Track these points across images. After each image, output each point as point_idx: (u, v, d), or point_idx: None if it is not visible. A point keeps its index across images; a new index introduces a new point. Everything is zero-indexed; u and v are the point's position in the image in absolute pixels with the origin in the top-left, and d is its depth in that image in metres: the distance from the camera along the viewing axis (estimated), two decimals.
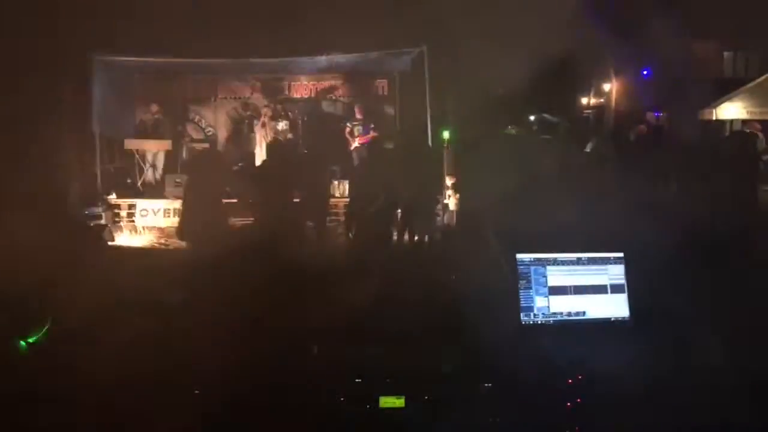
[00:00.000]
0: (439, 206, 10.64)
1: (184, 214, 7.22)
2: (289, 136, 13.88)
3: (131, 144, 12.93)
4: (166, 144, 12.94)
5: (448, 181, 10.82)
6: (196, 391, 2.24)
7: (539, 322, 2.87)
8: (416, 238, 9.77)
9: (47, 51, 12.39)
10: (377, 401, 2.31)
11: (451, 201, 10.87)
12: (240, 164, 13.70)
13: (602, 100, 27.98)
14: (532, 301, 2.87)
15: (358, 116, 12.95)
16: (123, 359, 2.40)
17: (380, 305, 2.88)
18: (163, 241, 11.13)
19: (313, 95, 15.18)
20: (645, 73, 21.83)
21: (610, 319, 2.92)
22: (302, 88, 15.15)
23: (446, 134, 11.92)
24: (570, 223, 3.22)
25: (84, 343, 2.56)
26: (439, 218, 10.40)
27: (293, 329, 2.04)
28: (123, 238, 11.18)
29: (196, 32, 12.09)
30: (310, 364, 2.41)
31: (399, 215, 10.09)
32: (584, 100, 28.89)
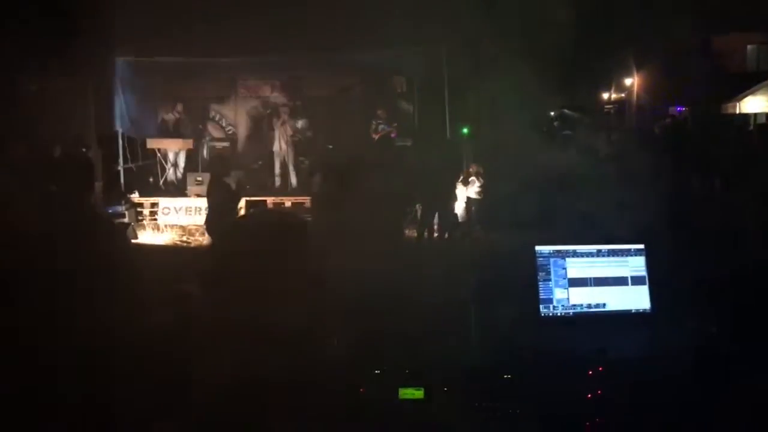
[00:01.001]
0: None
1: (209, 211, 7.33)
2: (308, 134, 13.95)
3: (153, 143, 13.09)
4: (188, 143, 13.08)
5: (471, 170, 10.79)
6: (214, 383, 2.27)
7: (558, 314, 2.86)
8: (436, 233, 9.78)
9: (72, 51, 12.60)
10: (397, 393, 2.31)
11: (471, 190, 10.83)
12: (260, 162, 13.82)
13: (623, 95, 27.73)
14: (552, 293, 2.86)
15: (380, 113, 12.97)
16: (145, 352, 2.43)
17: (400, 298, 2.88)
18: (185, 238, 11.26)
19: (331, 93, 15.22)
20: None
21: (630, 311, 2.90)
22: (321, 86, 15.19)
23: (465, 131, 11.90)
24: (590, 214, 3.20)
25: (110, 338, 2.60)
26: (458, 212, 10.38)
27: (312, 321, 2.04)
28: (146, 236, 11.32)
29: (216, 31, 12.20)
30: (329, 355, 2.43)
31: (419, 211, 10.10)
32: (605, 95, 28.64)
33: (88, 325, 2.69)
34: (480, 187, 10.83)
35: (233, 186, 7.46)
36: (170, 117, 13.20)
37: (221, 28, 11.81)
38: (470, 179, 10.84)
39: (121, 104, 12.64)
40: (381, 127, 12.76)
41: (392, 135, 12.81)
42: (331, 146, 13.34)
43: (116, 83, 12.52)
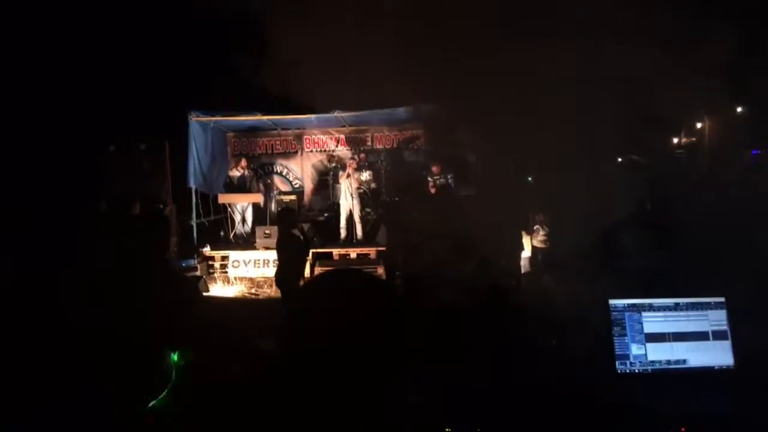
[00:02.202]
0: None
1: (279, 264, 7.44)
2: (373, 185, 14.17)
3: (224, 198, 13.57)
4: (256, 197, 13.49)
5: (536, 218, 10.66)
6: None
7: (636, 370, 2.75)
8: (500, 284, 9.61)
9: (149, 113, 13.37)
10: None
11: (536, 239, 10.68)
12: (326, 214, 14.08)
13: (694, 138, 26.94)
14: (628, 349, 2.76)
15: (435, 170, 13.07)
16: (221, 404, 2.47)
17: (469, 353, 2.85)
18: (253, 290, 11.49)
19: (395, 145, 15.48)
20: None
21: (713, 367, 2.76)
22: (385, 138, 15.49)
23: (530, 179, 11.78)
24: (666, 266, 3.10)
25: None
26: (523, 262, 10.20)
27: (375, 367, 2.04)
28: (216, 289, 11.61)
29: (284, 90, 12.67)
30: (402, 412, 2.41)
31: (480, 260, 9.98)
32: (675, 140, 27.89)
33: (159, 376, 2.77)
34: (545, 235, 10.66)
35: (301, 238, 7.58)
36: (236, 173, 13.72)
37: (288, 87, 12.26)
38: (535, 228, 10.70)
39: (194, 162, 13.24)
40: (440, 182, 12.83)
41: (450, 184, 12.83)
42: (397, 198, 13.47)
43: (190, 142, 13.13)
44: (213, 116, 13.56)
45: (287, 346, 1.29)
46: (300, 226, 7.64)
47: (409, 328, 1.27)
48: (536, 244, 10.76)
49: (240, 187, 13.50)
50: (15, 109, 12.56)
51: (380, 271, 10.98)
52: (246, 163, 13.85)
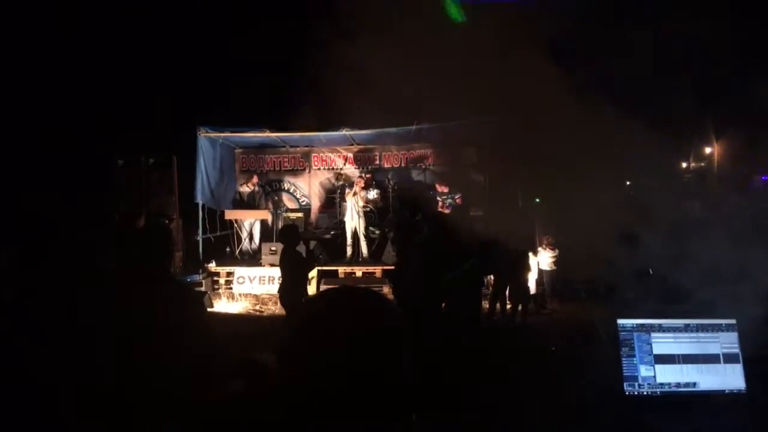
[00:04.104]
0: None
1: (282, 281, 7.40)
2: (380, 204, 14.15)
3: (231, 214, 13.57)
4: (263, 213, 13.48)
5: (544, 241, 10.62)
6: None
7: (645, 392, 2.68)
8: (509, 306, 9.54)
9: (159, 125, 13.46)
10: None
11: (544, 261, 10.62)
12: (332, 232, 14.05)
13: (703, 163, 26.86)
14: (637, 371, 2.69)
15: (442, 190, 13.03)
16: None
17: (475, 373, 2.80)
18: (258, 307, 11.43)
19: (403, 164, 15.50)
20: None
21: (724, 391, 2.69)
22: (393, 157, 15.52)
23: (538, 200, 11.74)
24: (676, 287, 3.04)
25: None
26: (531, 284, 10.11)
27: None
28: (221, 305, 11.56)
29: (292, 108, 12.74)
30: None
31: (492, 281, 9.92)
32: (684, 164, 27.82)
33: (161, 388, 2.72)
34: (553, 257, 10.60)
35: (303, 255, 7.53)
36: (246, 189, 13.73)
37: (297, 104, 12.34)
38: (543, 249, 10.65)
39: (202, 177, 13.27)
40: (448, 201, 12.81)
41: (458, 202, 12.80)
42: (408, 215, 13.43)
43: (198, 158, 13.17)
44: (222, 132, 13.63)
45: (287, 366, 1.25)
46: (305, 243, 7.58)
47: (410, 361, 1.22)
48: (543, 266, 10.70)
49: (249, 203, 13.50)
50: (23, 119, 12.67)
51: (386, 290, 10.91)
52: (257, 180, 13.87)
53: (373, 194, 13.91)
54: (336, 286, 1.36)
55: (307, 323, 1.26)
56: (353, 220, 12.69)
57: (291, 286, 7.00)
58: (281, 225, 14.22)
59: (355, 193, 12.69)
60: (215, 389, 3.21)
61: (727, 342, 2.74)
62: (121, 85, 15.27)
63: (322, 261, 12.42)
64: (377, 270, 12.08)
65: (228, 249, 13.89)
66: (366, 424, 1.16)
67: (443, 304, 6.30)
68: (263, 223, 13.71)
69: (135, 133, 14.84)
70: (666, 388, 2.68)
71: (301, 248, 7.92)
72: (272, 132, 13.63)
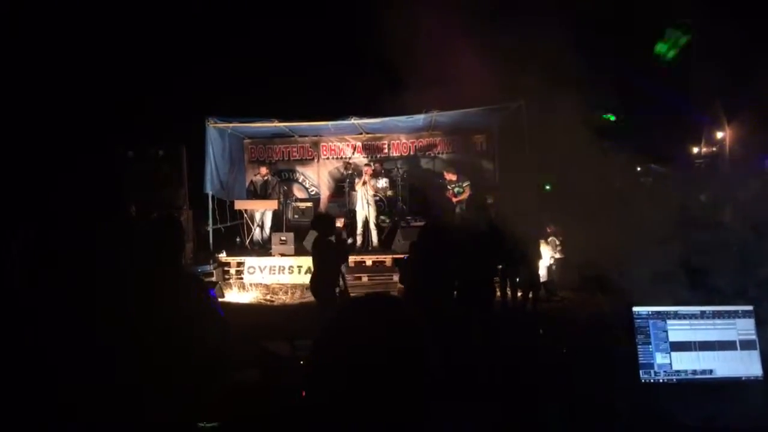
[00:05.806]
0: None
1: (315, 271, 7.18)
2: (389, 193, 14.14)
3: (241, 204, 13.59)
4: (273, 203, 13.51)
5: (549, 230, 10.57)
6: None
7: (661, 380, 2.66)
8: (519, 294, 9.51)
9: (167, 119, 13.46)
10: None
11: (552, 248, 10.58)
12: (342, 222, 14.05)
13: (715, 148, 26.61)
14: (652, 358, 2.68)
15: (450, 178, 12.96)
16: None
17: (490, 362, 2.79)
18: (269, 297, 11.47)
19: (412, 153, 15.48)
20: None
21: (740, 378, 2.67)
22: (401, 146, 15.50)
23: (548, 187, 11.69)
24: (691, 274, 3.01)
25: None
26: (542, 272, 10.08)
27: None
28: (232, 295, 11.60)
29: (301, 97, 12.73)
30: None
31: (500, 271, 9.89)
32: (695, 149, 27.58)
33: (174, 379, 2.74)
34: (560, 244, 10.56)
35: (334, 244, 7.32)
36: (257, 179, 13.74)
37: (306, 93, 12.33)
38: (549, 239, 10.59)
39: (211, 168, 13.27)
40: (456, 190, 12.75)
41: (466, 190, 12.72)
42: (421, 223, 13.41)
43: (208, 148, 13.18)
44: (230, 122, 13.61)
45: (316, 378, 1.26)
46: (338, 231, 7.26)
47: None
48: (553, 253, 10.66)
49: (262, 193, 13.52)
50: (33, 114, 12.72)
51: (395, 278, 10.92)
52: (267, 170, 13.86)
53: (382, 183, 13.90)
54: (367, 296, 1.36)
55: (337, 341, 1.28)
56: (364, 209, 12.68)
57: (322, 278, 6.87)
58: (290, 215, 14.25)
59: (365, 182, 12.67)
60: (232, 378, 3.23)
61: (744, 328, 2.72)
62: (129, 77, 15.28)
63: (354, 250, 12.24)
64: (387, 258, 12.08)
65: (238, 239, 13.93)
66: (398, 420, 1.18)
67: (455, 292, 6.29)
68: (274, 212, 13.72)
69: (144, 125, 14.87)
70: (682, 376, 2.67)
71: (333, 238, 7.70)
72: (280, 122, 13.60)
